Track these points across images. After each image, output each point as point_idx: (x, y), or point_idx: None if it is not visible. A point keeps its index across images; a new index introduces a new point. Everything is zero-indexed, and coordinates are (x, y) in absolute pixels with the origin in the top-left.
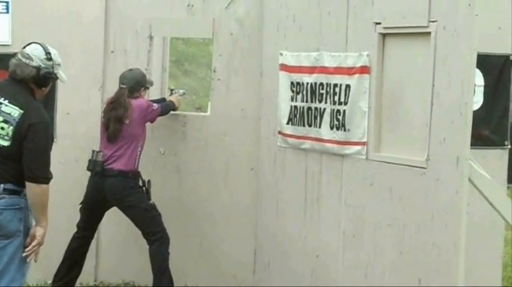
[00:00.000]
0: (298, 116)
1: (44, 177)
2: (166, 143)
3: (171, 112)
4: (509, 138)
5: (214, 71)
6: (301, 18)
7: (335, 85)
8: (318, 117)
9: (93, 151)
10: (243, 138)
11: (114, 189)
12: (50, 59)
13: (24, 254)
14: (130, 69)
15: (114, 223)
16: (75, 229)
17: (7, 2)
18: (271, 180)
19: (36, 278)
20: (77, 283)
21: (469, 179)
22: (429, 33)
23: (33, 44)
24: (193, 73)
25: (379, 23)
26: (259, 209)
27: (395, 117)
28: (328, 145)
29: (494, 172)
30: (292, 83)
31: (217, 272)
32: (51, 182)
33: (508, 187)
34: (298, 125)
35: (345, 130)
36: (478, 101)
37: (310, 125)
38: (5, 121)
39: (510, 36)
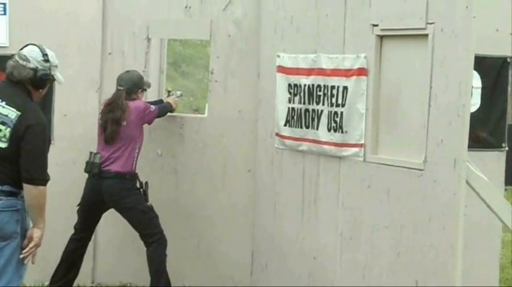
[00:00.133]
0: (295, 118)
1: (42, 179)
2: (163, 145)
3: (169, 114)
4: (507, 140)
5: (212, 73)
6: (298, 20)
7: (332, 87)
8: (316, 119)
9: (91, 153)
10: (241, 140)
11: (111, 191)
12: (47, 60)
13: (21, 256)
14: (128, 71)
15: (112, 224)
16: (72, 231)
17: (4, 4)
18: (269, 182)
19: (33, 279)
20: (74, 285)
21: (467, 181)
22: (427, 35)
23: (30, 46)
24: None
25: (377, 25)
26: (256, 210)
27: (393, 119)
28: (325, 146)
29: (491, 174)
30: (289, 85)
31: (214, 273)
32: (49, 183)
33: (506, 189)
34: (296, 127)
35: (342, 132)
36: (475, 103)
37: (307, 127)
38: (2, 123)
39: (508, 38)
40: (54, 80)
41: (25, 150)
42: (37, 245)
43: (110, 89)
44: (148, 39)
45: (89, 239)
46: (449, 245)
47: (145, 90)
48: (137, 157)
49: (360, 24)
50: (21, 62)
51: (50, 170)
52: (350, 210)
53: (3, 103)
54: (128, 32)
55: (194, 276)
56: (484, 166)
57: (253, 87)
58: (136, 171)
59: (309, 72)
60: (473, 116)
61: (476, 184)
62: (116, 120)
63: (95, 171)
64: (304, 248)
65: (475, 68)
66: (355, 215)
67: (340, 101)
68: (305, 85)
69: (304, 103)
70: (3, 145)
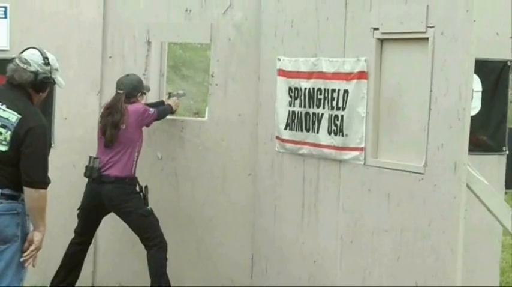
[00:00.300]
0: (296, 121)
1: (42, 182)
2: (163, 148)
3: (169, 117)
4: (507, 143)
5: (212, 76)
6: (299, 23)
7: (333, 90)
8: (316, 123)
9: (90, 157)
10: (241, 144)
11: (111, 195)
12: (47, 64)
13: (22, 259)
14: (127, 75)
15: (112, 228)
16: (72, 234)
17: (5, 7)
18: (269, 185)
19: (33, 282)
20: None
21: (467, 185)
22: (427, 38)
23: (30, 49)
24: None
25: (377, 29)
26: (256, 214)
27: (393, 122)
28: (326, 150)
29: (491, 178)
30: (290, 89)
31: (215, 276)
32: (49, 186)
33: (506, 193)
34: (296, 131)
35: (342, 135)
36: (475, 106)
37: (308, 131)
38: (3, 126)
39: (508, 41)
40: (54, 83)
41: (25, 153)
42: (37, 249)
43: (110, 93)
44: (149, 43)
45: (89, 243)
46: (450, 248)
47: (145, 94)
48: (136, 161)
49: (360, 27)
50: (21, 65)
51: (50, 173)
52: (350, 213)
53: (4, 106)
54: (128, 36)
55: (194, 279)
56: (484, 169)
57: (254, 90)
58: (136, 175)
59: (309, 75)
60: (474, 120)
61: (477, 188)
62: (114, 124)
63: (94, 176)
64: (304, 251)
65: (476, 72)
66: (356, 218)
67: (340, 105)
68: (305, 89)
69: (304, 107)
70: (3, 148)
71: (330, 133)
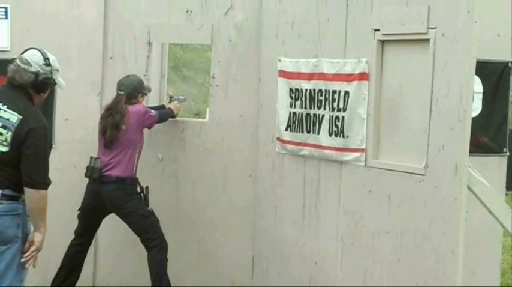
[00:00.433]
0: (296, 122)
1: (43, 183)
2: (164, 149)
3: (170, 119)
4: (508, 145)
5: (213, 77)
6: (299, 24)
7: (334, 92)
8: (317, 124)
9: (91, 158)
10: (242, 145)
11: (112, 196)
12: (48, 64)
13: (22, 260)
14: (128, 76)
15: (112, 228)
16: (73, 235)
17: (6, 8)
18: (270, 186)
19: (34, 283)
20: None
21: (468, 186)
22: (428, 40)
23: (31, 50)
24: (191, 79)
25: (378, 30)
26: (257, 215)
27: (394, 124)
28: (326, 151)
29: (492, 179)
30: (290, 90)
31: (215, 277)
32: (49, 187)
33: (507, 194)
34: (297, 132)
35: (343, 137)
36: (476, 108)
37: (308, 132)
38: (4, 127)
39: (509, 43)
40: (55, 84)
41: (26, 154)
42: (38, 249)
43: (111, 94)
44: (150, 44)
45: (90, 244)
46: (450, 250)
47: (146, 94)
48: (137, 162)
49: (361, 29)
50: (22, 66)
51: (51, 174)
52: (351, 215)
53: (5, 107)
54: (129, 37)
55: (195, 280)
56: (485, 170)
57: (254, 91)
58: (137, 175)
59: (310, 76)
60: (475, 121)
61: (478, 189)
62: (115, 125)
63: (95, 176)
64: (305, 252)
65: (476, 73)
66: (356, 220)
67: (341, 106)
68: (306, 90)
69: (305, 108)
70: (4, 149)
71: (330, 134)
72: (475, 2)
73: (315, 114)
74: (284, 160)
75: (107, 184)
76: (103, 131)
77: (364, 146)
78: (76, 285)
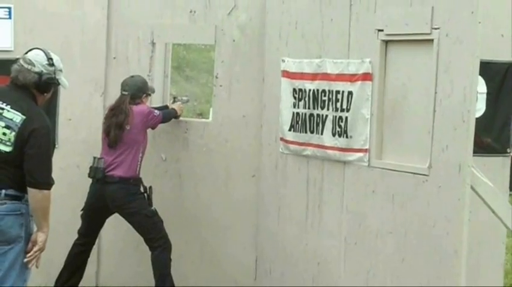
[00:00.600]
0: (300, 122)
1: (46, 183)
2: (168, 149)
3: (173, 119)
4: None
5: (216, 77)
6: (303, 24)
7: (337, 92)
8: (320, 124)
9: (94, 158)
10: (245, 145)
11: (115, 196)
12: (51, 64)
13: (25, 260)
14: (132, 76)
15: (115, 228)
16: (76, 235)
17: (9, 8)
18: (273, 186)
19: (37, 283)
20: None
21: (471, 187)
22: (432, 40)
23: (35, 50)
24: (195, 79)
25: (382, 30)
26: (260, 215)
27: (398, 124)
28: (330, 151)
29: (496, 180)
30: (294, 90)
31: (218, 278)
32: (53, 187)
33: (510, 194)
34: (300, 132)
35: (347, 137)
36: (480, 108)
37: (312, 132)
38: (7, 127)
39: None
40: (58, 84)
41: (29, 154)
42: (41, 249)
43: (114, 94)
44: (153, 44)
45: (93, 244)
46: (454, 250)
47: (150, 95)
48: (141, 162)
49: (364, 29)
50: (26, 66)
51: (54, 174)
52: (354, 215)
53: (8, 107)
54: (132, 37)
55: (198, 280)
56: (488, 171)
57: (258, 92)
58: (141, 175)
59: (313, 77)
60: (478, 122)
61: (481, 189)
62: (119, 125)
63: (98, 176)
64: (308, 253)
65: (480, 73)
66: (360, 220)
67: (344, 106)
68: (310, 90)
69: (308, 108)
70: (7, 149)
71: (334, 135)
72: (478, 3)
73: (318, 115)
74: (287, 160)
75: (110, 184)
76: (107, 131)
77: (367, 147)
78: (79, 285)
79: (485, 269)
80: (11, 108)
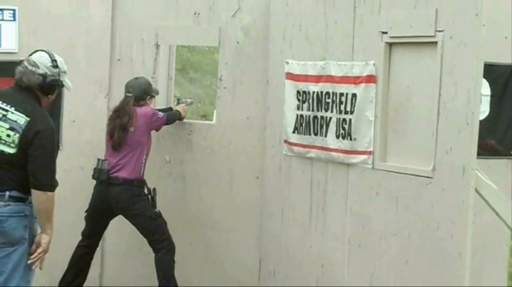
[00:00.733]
0: (304, 124)
1: (50, 184)
2: (171, 151)
3: (177, 121)
4: None
5: (220, 80)
6: (307, 27)
7: (341, 94)
8: (324, 126)
9: (99, 160)
10: (249, 147)
11: (119, 197)
12: (56, 66)
13: (29, 262)
14: (137, 78)
15: (119, 230)
16: (80, 236)
17: (13, 10)
18: (277, 189)
19: (41, 284)
20: None
21: (475, 189)
22: (436, 42)
23: (39, 52)
24: (198, 81)
25: (386, 32)
26: (264, 217)
27: (402, 126)
28: (334, 153)
29: (500, 182)
30: (298, 92)
31: (222, 279)
32: (57, 189)
33: None
34: (304, 134)
35: (351, 139)
36: (484, 110)
37: (316, 134)
38: (11, 128)
39: None
40: (62, 86)
41: (34, 156)
42: (45, 251)
43: (118, 95)
44: (157, 46)
45: (97, 246)
46: (458, 252)
47: (154, 97)
48: (145, 163)
49: (369, 31)
50: (30, 68)
51: (58, 175)
52: (358, 217)
53: (12, 109)
54: (136, 39)
55: (202, 281)
56: (492, 173)
57: (262, 94)
58: (145, 177)
59: (317, 79)
60: (482, 124)
61: (485, 192)
62: (123, 127)
63: (103, 178)
64: (312, 254)
65: (484, 76)
66: (363, 222)
67: (348, 108)
68: (314, 92)
69: (312, 110)
70: (11, 151)
71: (338, 137)
72: (482, 5)
73: (322, 117)
74: (291, 162)
75: (115, 185)
76: (111, 133)
77: (371, 149)
78: (83, 286)
79: (489, 272)
80: (15, 110)
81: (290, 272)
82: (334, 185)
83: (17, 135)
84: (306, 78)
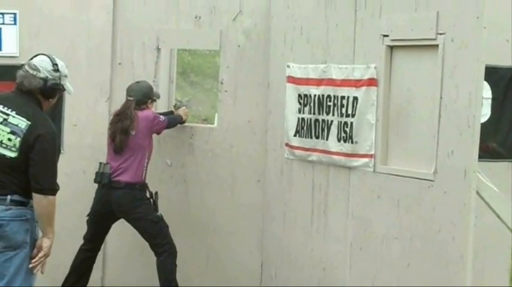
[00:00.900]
0: (305, 128)
1: (51, 188)
2: (173, 155)
3: (178, 125)
4: None
5: (221, 83)
6: (308, 30)
7: (342, 97)
8: (325, 130)
9: (100, 163)
10: (250, 150)
11: (121, 201)
12: (57, 70)
13: (30, 266)
14: (138, 82)
15: (121, 233)
16: (81, 240)
17: (14, 14)
18: (278, 192)
19: None
20: None
21: (477, 192)
22: (437, 45)
23: (40, 56)
24: (199, 84)
25: (387, 35)
26: (266, 220)
27: (403, 129)
28: (335, 157)
29: (501, 185)
30: (299, 95)
31: (224, 283)
32: (58, 193)
33: None
34: (306, 137)
35: (352, 142)
36: (485, 113)
37: (317, 137)
38: (13, 132)
39: None
40: (64, 89)
41: (35, 160)
42: (46, 255)
43: (119, 99)
44: (158, 49)
45: (99, 249)
46: (459, 255)
47: (155, 100)
48: (147, 167)
49: (370, 34)
50: (31, 71)
51: (59, 179)
52: (360, 220)
53: (14, 113)
54: (137, 42)
55: (204, 285)
56: (493, 176)
57: (263, 97)
58: (146, 181)
59: (319, 82)
60: (483, 127)
61: (486, 194)
62: (124, 130)
63: (104, 181)
64: (313, 258)
65: (485, 79)
66: (365, 225)
67: (350, 112)
68: (315, 95)
69: (314, 113)
70: (13, 155)
71: (339, 140)
72: (484, 8)
73: (323, 120)
74: (293, 165)
75: (116, 189)
76: (112, 137)
77: (372, 152)
78: None
79: (491, 274)
80: (16, 114)
81: (292, 275)
82: (336, 188)
83: (18, 139)
84: (307, 81)
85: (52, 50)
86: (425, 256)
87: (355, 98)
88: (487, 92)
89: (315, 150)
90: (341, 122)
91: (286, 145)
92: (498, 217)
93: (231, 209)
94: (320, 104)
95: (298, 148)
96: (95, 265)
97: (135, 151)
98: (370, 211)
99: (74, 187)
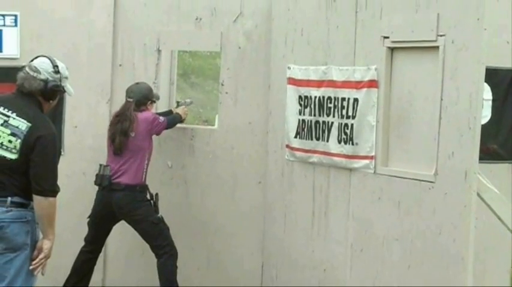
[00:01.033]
0: (306, 129)
1: (52, 190)
2: (174, 156)
3: (179, 125)
4: None
5: (222, 85)
6: (309, 31)
7: (343, 99)
8: (326, 131)
9: (100, 165)
10: (251, 152)
11: (121, 203)
12: (57, 72)
13: (31, 267)
14: (137, 83)
15: (121, 235)
16: (82, 242)
17: (15, 16)
18: (279, 193)
19: None
20: None
21: (477, 193)
22: (437, 47)
23: (40, 57)
24: (200, 86)
25: (388, 37)
26: (266, 222)
27: (404, 131)
28: (336, 158)
29: (502, 186)
30: (300, 97)
31: (224, 284)
32: (58, 194)
33: None
34: (306, 139)
35: (352, 144)
36: (486, 115)
37: (318, 139)
38: (13, 134)
39: None
40: (64, 91)
41: (35, 161)
42: (47, 257)
43: (120, 101)
44: (159, 51)
45: (100, 251)
46: (460, 257)
47: (155, 102)
48: (147, 169)
49: (370, 36)
50: (31, 73)
51: (60, 181)
52: (360, 222)
53: (14, 115)
54: (138, 44)
55: (204, 286)
56: (494, 177)
57: (264, 99)
58: (147, 182)
59: (319, 84)
60: (484, 128)
61: (487, 196)
62: (124, 132)
63: (105, 183)
64: (314, 259)
65: (486, 80)
66: (366, 226)
67: (350, 113)
68: (315, 97)
69: (314, 115)
70: (13, 156)
71: (340, 142)
72: (484, 9)
73: (324, 122)
74: (293, 167)
75: (117, 191)
76: (112, 138)
77: (373, 153)
78: None
79: (492, 275)
80: (17, 115)
81: (292, 277)
82: (337, 189)
83: (19, 141)
84: (307, 83)
85: (53, 51)
86: (425, 257)
87: (356, 100)
88: (487, 93)
89: (315, 151)
90: (342, 123)
91: (287, 146)
92: (499, 218)
93: (231, 211)
94: (321, 105)
95: (298, 149)
96: (95, 267)
97: (135, 152)
98: (370, 213)
99: (75, 189)
